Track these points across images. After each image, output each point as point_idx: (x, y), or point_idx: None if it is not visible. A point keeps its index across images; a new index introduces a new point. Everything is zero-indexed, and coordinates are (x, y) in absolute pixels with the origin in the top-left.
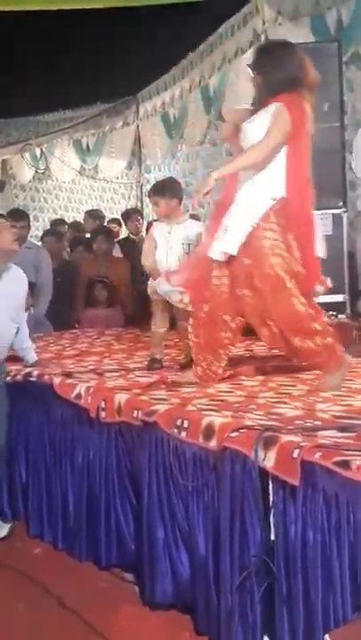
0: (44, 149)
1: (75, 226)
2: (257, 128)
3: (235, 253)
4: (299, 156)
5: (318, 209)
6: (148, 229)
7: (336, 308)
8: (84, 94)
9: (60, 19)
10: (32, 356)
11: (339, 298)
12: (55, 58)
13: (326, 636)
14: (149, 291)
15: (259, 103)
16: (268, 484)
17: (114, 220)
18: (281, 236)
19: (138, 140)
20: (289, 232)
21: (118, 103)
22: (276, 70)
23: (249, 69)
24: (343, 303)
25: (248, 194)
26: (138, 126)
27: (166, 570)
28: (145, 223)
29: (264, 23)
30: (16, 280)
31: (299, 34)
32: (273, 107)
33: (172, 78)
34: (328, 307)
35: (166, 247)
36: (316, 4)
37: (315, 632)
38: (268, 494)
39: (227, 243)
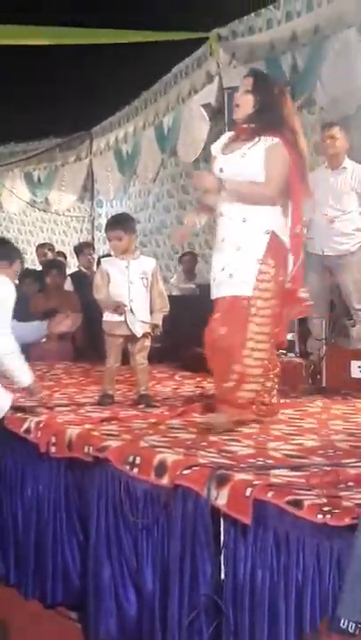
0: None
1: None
2: (251, 162)
3: (251, 294)
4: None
5: None
6: (98, 264)
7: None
8: (37, 128)
9: (16, 51)
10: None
11: (288, 337)
12: (9, 90)
13: None
14: (105, 327)
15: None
16: (219, 523)
17: (59, 253)
18: (274, 276)
19: (90, 175)
20: (282, 267)
21: (72, 138)
22: (279, 105)
23: (244, 87)
24: (292, 342)
25: (242, 232)
26: (91, 161)
27: (112, 608)
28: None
29: (218, 65)
30: None
31: None
32: (270, 142)
33: (125, 116)
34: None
35: (127, 281)
36: (271, 48)
37: None
38: (220, 532)
39: (240, 286)
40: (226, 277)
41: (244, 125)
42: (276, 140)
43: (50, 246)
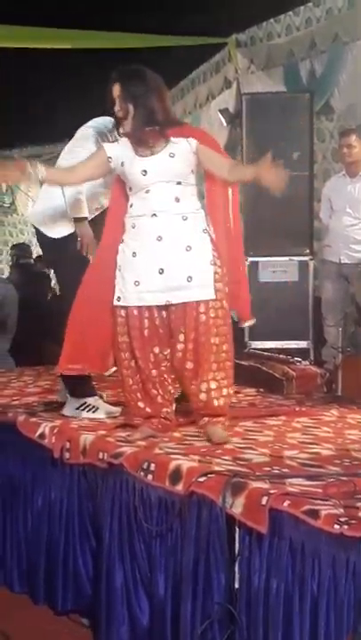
0: (10, 184)
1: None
2: (180, 162)
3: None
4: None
5: (285, 255)
6: None
7: (300, 354)
8: (52, 131)
9: (32, 52)
10: None
11: (303, 344)
12: (24, 93)
13: None
14: None
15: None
16: (234, 531)
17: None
18: (222, 276)
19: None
20: (224, 265)
21: None
22: (163, 94)
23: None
24: (307, 350)
25: (186, 230)
26: None
27: (123, 616)
28: None
29: (237, 71)
30: None
31: (271, 83)
32: (192, 142)
33: None
34: (292, 353)
35: None
36: (290, 54)
37: None
38: (234, 541)
39: (203, 289)
40: (183, 280)
41: (146, 129)
42: (194, 141)
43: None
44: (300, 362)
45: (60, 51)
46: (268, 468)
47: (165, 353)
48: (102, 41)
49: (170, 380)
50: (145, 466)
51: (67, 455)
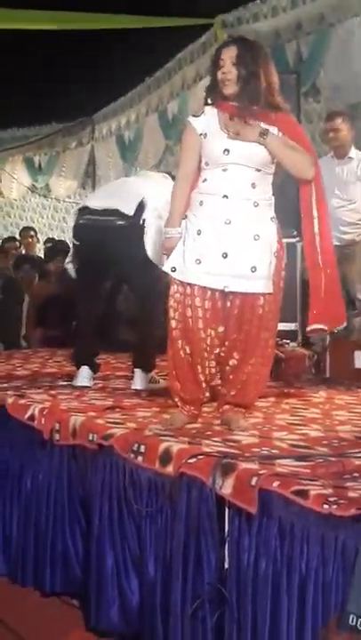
0: None
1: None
2: (263, 150)
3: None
4: None
5: None
6: None
7: (288, 336)
8: (39, 113)
9: (18, 36)
10: None
11: (291, 326)
12: (10, 75)
13: None
14: None
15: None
16: (224, 512)
17: (10, 239)
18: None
19: (92, 161)
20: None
21: (74, 124)
22: (272, 75)
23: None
24: (295, 332)
25: (256, 217)
26: (92, 147)
27: (114, 597)
28: None
29: None
30: None
31: None
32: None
33: (128, 102)
34: (280, 334)
35: None
36: (277, 36)
37: None
38: (224, 521)
39: (264, 281)
40: (246, 269)
41: (235, 104)
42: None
43: (33, 230)
44: (288, 344)
45: (46, 32)
46: (257, 450)
47: (216, 338)
48: (88, 22)
49: (214, 368)
50: (135, 447)
51: (56, 436)
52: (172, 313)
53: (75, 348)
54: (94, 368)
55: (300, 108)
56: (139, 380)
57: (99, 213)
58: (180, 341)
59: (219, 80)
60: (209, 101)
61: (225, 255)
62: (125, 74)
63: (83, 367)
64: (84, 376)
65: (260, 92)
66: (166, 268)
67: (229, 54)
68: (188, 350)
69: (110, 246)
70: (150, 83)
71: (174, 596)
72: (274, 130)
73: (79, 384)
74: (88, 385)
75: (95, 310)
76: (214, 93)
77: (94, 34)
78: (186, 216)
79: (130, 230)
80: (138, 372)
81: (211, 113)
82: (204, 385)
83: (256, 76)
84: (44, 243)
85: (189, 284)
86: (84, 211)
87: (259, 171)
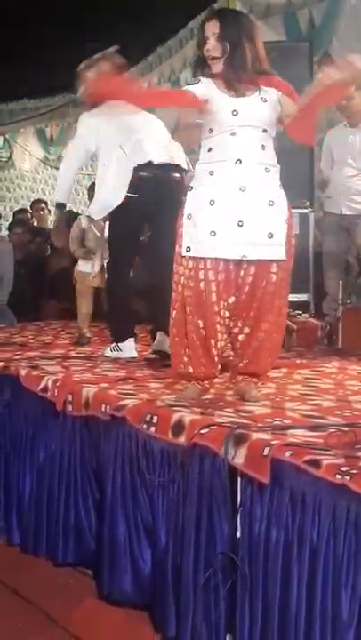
0: (7, 138)
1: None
2: (269, 109)
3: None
4: None
5: None
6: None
7: (300, 307)
8: (50, 84)
9: (29, 6)
10: None
11: (303, 297)
12: (22, 47)
13: None
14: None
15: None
16: (236, 482)
17: (22, 211)
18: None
19: None
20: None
21: None
22: (258, 43)
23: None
24: (308, 303)
25: (269, 183)
26: None
27: (126, 566)
28: None
29: None
30: None
31: (270, 32)
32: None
33: (140, 72)
34: (293, 306)
35: None
36: (289, 3)
37: (269, 633)
38: (236, 491)
39: (280, 247)
40: (263, 237)
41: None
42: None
43: (45, 203)
44: (300, 314)
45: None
46: (269, 420)
47: (227, 310)
48: None
49: (224, 340)
50: (148, 418)
51: (69, 408)
52: (180, 290)
53: (116, 324)
54: (136, 338)
55: (313, 77)
56: (165, 343)
57: (159, 168)
58: (191, 317)
59: (205, 57)
60: (200, 77)
61: (240, 223)
62: (136, 44)
63: (129, 339)
64: (131, 347)
65: (247, 64)
66: (182, 251)
67: (212, 30)
68: (201, 325)
69: (169, 200)
70: (162, 52)
71: (186, 566)
72: (273, 90)
73: (128, 355)
74: (135, 356)
75: (128, 282)
76: (203, 69)
77: (104, 3)
78: (191, 187)
79: (183, 183)
80: (160, 334)
81: (206, 82)
82: (216, 359)
83: (242, 48)
84: None
85: (202, 258)
86: (146, 166)
87: (265, 132)
